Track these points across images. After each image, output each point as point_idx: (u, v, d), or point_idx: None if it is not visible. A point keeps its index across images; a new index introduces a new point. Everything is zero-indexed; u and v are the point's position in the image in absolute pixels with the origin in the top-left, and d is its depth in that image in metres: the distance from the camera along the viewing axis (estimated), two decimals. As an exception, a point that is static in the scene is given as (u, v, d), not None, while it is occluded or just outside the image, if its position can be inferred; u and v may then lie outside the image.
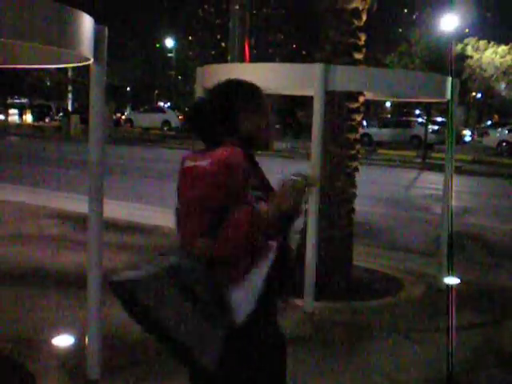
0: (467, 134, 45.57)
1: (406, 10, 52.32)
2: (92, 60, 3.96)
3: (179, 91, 40.63)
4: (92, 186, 4.21)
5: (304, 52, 52.14)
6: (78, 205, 10.40)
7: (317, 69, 5.82)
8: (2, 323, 5.41)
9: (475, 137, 48.01)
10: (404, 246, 9.57)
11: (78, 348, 4.74)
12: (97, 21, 3.93)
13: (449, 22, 29.16)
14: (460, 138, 41.04)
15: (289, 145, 31.86)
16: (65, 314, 5.64)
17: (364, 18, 7.07)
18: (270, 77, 6.16)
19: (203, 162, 2.40)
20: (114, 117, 45.18)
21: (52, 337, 5.04)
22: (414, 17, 49.65)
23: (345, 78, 6.01)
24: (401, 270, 7.82)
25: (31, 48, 4.31)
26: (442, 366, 4.86)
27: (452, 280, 7.28)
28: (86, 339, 4.36)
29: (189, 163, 2.47)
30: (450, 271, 7.25)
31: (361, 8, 6.99)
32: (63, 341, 5.00)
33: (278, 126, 47.73)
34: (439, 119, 40.17)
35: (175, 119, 43.33)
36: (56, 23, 3.44)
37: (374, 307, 6.42)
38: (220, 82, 2.68)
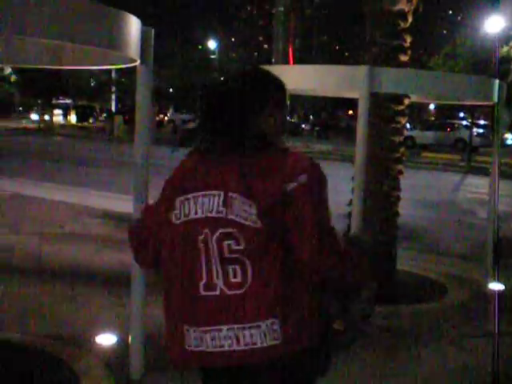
0: (509, 138, 44.83)
1: (450, 12, 51.74)
2: (139, 61, 3.98)
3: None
4: (137, 186, 4.23)
5: (347, 54, 51.90)
6: (122, 204, 10.50)
7: (362, 71, 5.76)
8: (47, 321, 5.48)
9: None
10: (448, 251, 9.44)
11: (121, 347, 4.78)
12: (143, 23, 3.95)
13: (494, 24, 28.73)
14: (502, 142, 40.32)
15: (330, 147, 31.76)
16: (108, 313, 5.69)
17: (410, 19, 7.00)
18: (314, 79, 6.13)
19: (302, 178, 2.22)
20: (157, 118, 45.53)
21: (95, 335, 5.09)
22: (459, 18, 49.07)
23: (390, 80, 5.94)
24: (445, 275, 7.72)
25: (78, 49, 4.36)
26: (487, 372, 4.78)
27: (497, 286, 7.17)
28: (129, 338, 4.38)
29: (283, 185, 2.21)
30: (495, 277, 7.14)
31: (406, 10, 6.92)
32: (106, 340, 5.03)
33: (318, 128, 47.73)
34: (481, 122, 39.60)
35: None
36: (104, 25, 3.46)
37: (418, 312, 6.35)
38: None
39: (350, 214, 6.33)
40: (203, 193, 2.30)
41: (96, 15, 3.41)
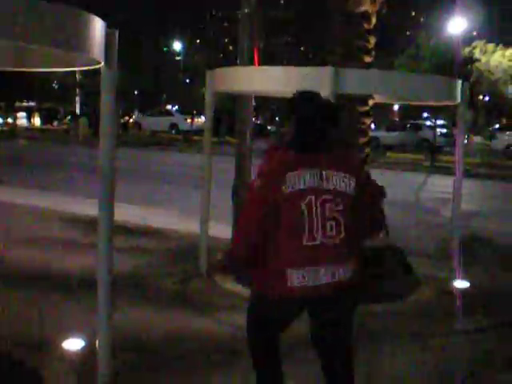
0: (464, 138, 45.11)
1: (413, 13, 52.25)
2: (103, 63, 3.96)
3: (187, 94, 40.68)
4: (103, 190, 4.20)
5: (311, 55, 52.10)
6: (87, 208, 10.42)
7: (327, 72, 5.80)
8: (13, 326, 5.42)
9: (471, 140, 47.63)
10: (413, 250, 9.51)
11: (89, 352, 4.74)
12: (108, 25, 3.93)
13: (456, 25, 29.14)
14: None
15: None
16: (75, 318, 5.64)
17: (373, 21, 7.07)
18: (280, 80, 6.15)
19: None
20: (122, 120, 45.25)
21: (62, 341, 5.04)
22: (422, 20, 49.57)
23: (355, 81, 6.00)
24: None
25: (41, 51, 4.31)
26: (452, 369, 4.85)
27: (461, 283, 7.26)
28: (97, 343, 4.35)
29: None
30: (460, 274, 7.23)
31: (370, 11, 6.98)
32: (74, 345, 4.99)
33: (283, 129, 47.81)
34: (440, 122, 39.86)
35: (183, 122, 43.37)
36: (67, 26, 3.43)
37: (384, 311, 6.40)
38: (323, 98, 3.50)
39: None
40: (304, 171, 3.23)
41: (59, 16, 3.37)
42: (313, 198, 3.21)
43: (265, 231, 3.25)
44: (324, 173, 3.25)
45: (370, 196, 3.41)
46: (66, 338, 5.08)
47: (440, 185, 19.28)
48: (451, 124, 36.74)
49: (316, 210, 3.21)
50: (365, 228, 3.46)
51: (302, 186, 3.21)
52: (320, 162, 3.27)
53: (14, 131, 39.89)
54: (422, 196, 17.45)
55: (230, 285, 6.78)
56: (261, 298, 3.44)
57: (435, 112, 30.31)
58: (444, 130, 36.94)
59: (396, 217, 12.76)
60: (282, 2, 53.29)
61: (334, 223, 3.24)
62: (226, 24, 55.27)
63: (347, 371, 3.57)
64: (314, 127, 3.32)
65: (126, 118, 50.35)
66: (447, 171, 19.99)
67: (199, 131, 33.09)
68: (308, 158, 3.28)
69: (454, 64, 30.04)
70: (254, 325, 3.55)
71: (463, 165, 7.47)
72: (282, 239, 3.22)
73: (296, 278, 3.21)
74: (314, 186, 3.22)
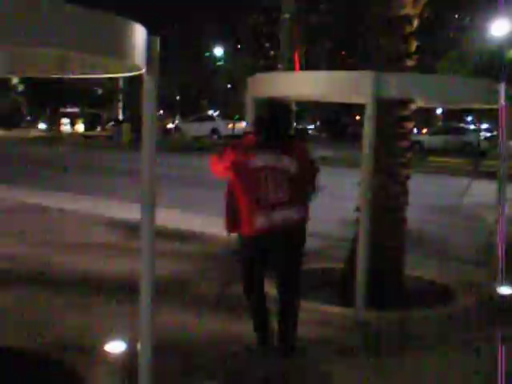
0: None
1: (456, 16, 51.63)
2: (144, 70, 3.99)
3: (228, 99, 40.84)
4: (144, 194, 4.23)
5: (351, 59, 51.90)
6: (129, 212, 10.52)
7: (368, 76, 5.77)
8: (56, 329, 5.49)
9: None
10: (456, 255, 9.42)
11: (130, 355, 4.78)
12: (149, 31, 3.96)
13: (500, 27, 28.74)
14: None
15: (338, 153, 31.69)
16: (117, 321, 5.69)
17: (415, 24, 7.00)
18: (321, 85, 6.15)
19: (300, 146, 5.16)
20: (168, 126, 45.57)
21: (104, 343, 5.09)
22: (465, 22, 49.01)
23: (397, 85, 5.95)
24: (453, 280, 7.69)
25: (83, 58, 4.37)
26: (496, 377, 4.77)
27: (506, 289, 7.15)
28: (138, 346, 4.38)
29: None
30: (504, 281, 7.12)
31: (412, 14, 6.92)
32: (115, 347, 5.04)
33: (325, 135, 47.72)
34: (484, 125, 39.31)
35: (224, 127, 43.52)
36: (109, 34, 3.47)
37: (426, 317, 6.33)
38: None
39: (357, 220, 6.33)
40: (265, 153, 4.85)
41: (102, 24, 3.42)
42: (269, 171, 4.83)
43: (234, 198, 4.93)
44: (279, 156, 4.84)
45: (310, 175, 5.06)
46: (107, 340, 5.13)
47: (484, 189, 18.99)
48: (495, 128, 36.27)
49: (271, 178, 4.82)
50: (306, 191, 5.06)
51: (262, 164, 4.84)
52: (277, 148, 4.86)
53: (58, 137, 40.45)
54: (466, 201, 17.19)
55: (271, 290, 6.76)
56: (242, 239, 5.07)
57: (479, 115, 29.90)
58: (488, 134, 36.41)
59: (440, 222, 12.66)
60: (323, 7, 53.22)
61: (280, 188, 4.84)
62: (266, 29, 55.37)
63: (295, 286, 5.09)
64: (273, 126, 4.89)
65: (168, 123, 50.70)
66: (492, 176, 19.68)
67: (240, 136, 33.18)
68: (269, 145, 4.87)
69: (498, 66, 29.61)
70: (244, 261, 5.17)
71: (508, 169, 7.36)
72: (252, 197, 4.83)
73: (262, 219, 4.82)
74: (270, 163, 4.83)
